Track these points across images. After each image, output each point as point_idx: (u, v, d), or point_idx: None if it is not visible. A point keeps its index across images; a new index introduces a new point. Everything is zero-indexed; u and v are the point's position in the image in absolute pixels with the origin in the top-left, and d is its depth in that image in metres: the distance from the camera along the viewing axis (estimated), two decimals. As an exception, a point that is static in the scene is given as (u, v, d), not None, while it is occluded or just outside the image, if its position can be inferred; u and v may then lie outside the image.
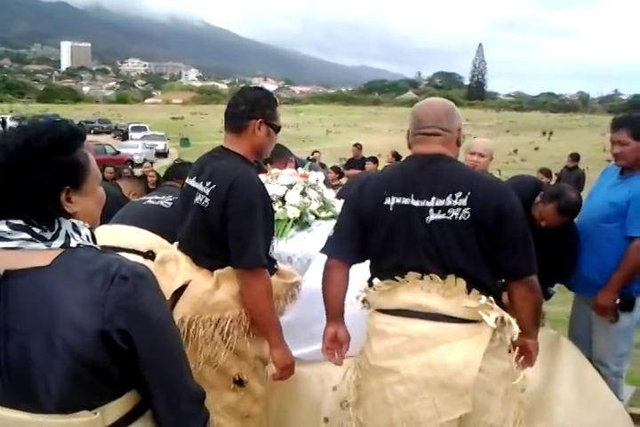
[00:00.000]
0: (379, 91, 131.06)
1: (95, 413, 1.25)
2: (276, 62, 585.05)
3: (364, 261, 2.25)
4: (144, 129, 40.29)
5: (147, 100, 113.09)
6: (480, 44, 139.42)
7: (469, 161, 3.65)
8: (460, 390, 1.89)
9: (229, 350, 2.23)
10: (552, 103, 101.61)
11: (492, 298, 1.98)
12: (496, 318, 1.95)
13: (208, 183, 2.26)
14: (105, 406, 1.27)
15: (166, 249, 2.44)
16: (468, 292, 1.98)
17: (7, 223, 1.26)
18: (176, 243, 2.51)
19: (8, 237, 1.25)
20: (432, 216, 2.00)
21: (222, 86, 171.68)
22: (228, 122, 2.39)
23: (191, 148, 33.22)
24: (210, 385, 2.14)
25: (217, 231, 2.23)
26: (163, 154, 33.09)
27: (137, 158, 26.78)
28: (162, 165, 20.53)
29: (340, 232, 2.23)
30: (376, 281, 2.12)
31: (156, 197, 3.04)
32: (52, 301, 1.22)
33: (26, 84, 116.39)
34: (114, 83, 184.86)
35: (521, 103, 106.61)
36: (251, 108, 2.34)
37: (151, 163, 14.33)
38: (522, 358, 2.09)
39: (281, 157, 3.76)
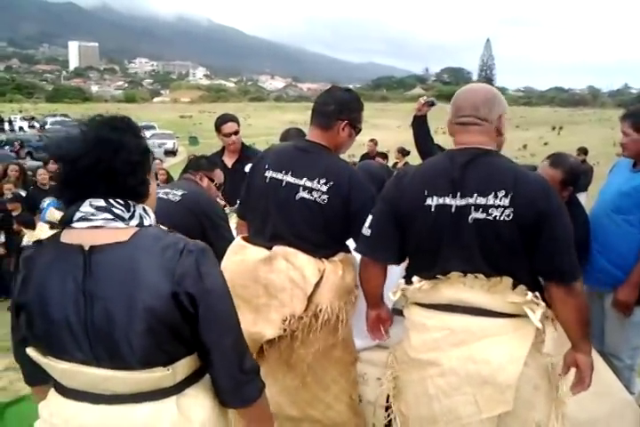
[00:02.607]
0: (386, 87, 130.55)
1: (168, 369, 1.45)
2: (284, 60, 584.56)
3: (400, 262, 2.23)
4: (153, 128, 40.32)
5: (155, 99, 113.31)
6: (488, 40, 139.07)
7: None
8: (503, 387, 1.85)
9: (350, 327, 2.44)
10: (561, 98, 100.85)
11: (537, 294, 1.93)
12: (542, 315, 1.91)
13: (322, 180, 2.38)
14: (176, 363, 1.47)
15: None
16: (514, 288, 1.93)
17: (91, 205, 1.45)
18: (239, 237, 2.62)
19: (92, 217, 1.44)
20: (473, 215, 1.93)
21: (230, 84, 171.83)
22: (315, 118, 2.52)
23: (200, 146, 33.29)
24: (345, 365, 2.45)
25: (335, 225, 2.39)
26: (172, 152, 33.20)
27: (146, 157, 26.73)
28: (171, 164, 20.63)
29: (377, 232, 2.17)
30: (416, 279, 2.07)
31: (167, 191, 3.06)
32: (132, 270, 1.41)
33: (34, 85, 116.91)
34: (122, 82, 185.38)
35: (530, 98, 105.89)
36: (339, 110, 2.47)
37: (160, 161, 14.38)
38: (573, 378, 2.02)
39: None
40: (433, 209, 2.00)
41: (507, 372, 1.85)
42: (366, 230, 2.20)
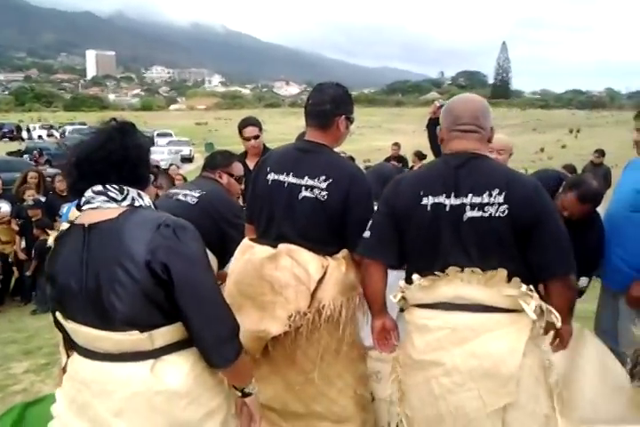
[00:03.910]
0: (402, 91, 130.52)
1: (144, 334, 1.65)
2: (299, 65, 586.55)
3: (402, 263, 2.27)
4: (169, 135, 40.70)
5: (171, 107, 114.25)
6: (504, 43, 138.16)
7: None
8: (504, 379, 1.91)
9: (356, 323, 2.48)
10: (578, 100, 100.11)
11: (531, 287, 2.00)
12: (536, 307, 1.97)
13: (322, 178, 2.43)
14: (155, 330, 1.67)
15: None
16: (509, 281, 2.00)
17: (92, 191, 1.73)
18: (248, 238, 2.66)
19: (92, 200, 1.73)
20: (469, 213, 2.03)
21: (245, 91, 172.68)
22: (312, 119, 2.56)
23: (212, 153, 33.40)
24: (350, 360, 2.48)
25: (337, 221, 2.43)
26: (188, 159, 33.41)
27: (163, 164, 26.89)
28: (187, 170, 20.75)
29: (377, 234, 2.25)
30: (415, 277, 2.14)
31: (186, 192, 3.03)
32: (117, 241, 1.65)
33: (53, 94, 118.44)
34: (139, 90, 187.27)
35: (547, 101, 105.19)
36: (336, 106, 2.53)
37: (177, 167, 14.48)
38: (556, 341, 2.17)
39: None
40: (429, 208, 2.10)
41: (507, 364, 1.91)
42: (367, 233, 2.28)
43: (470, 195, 2.03)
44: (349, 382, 2.48)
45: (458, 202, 2.05)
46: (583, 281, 2.98)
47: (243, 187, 3.27)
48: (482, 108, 2.26)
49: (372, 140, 38.57)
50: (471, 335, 1.97)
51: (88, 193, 1.73)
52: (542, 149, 34.24)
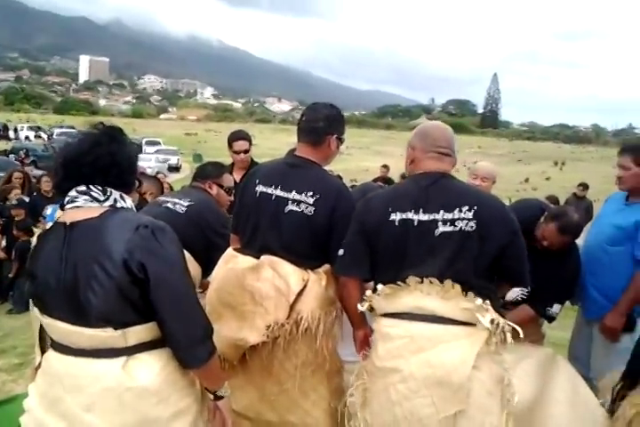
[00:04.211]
0: (392, 115, 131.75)
1: (117, 331, 1.69)
2: (291, 83, 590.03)
3: (373, 277, 2.35)
4: (158, 143, 40.63)
5: (161, 116, 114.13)
6: (495, 74, 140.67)
7: (472, 185, 3.69)
8: (456, 387, 2.00)
9: (334, 337, 2.52)
10: (565, 134, 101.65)
11: (488, 302, 2.11)
12: (492, 320, 2.07)
13: (309, 193, 2.50)
14: (129, 328, 1.71)
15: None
16: (466, 295, 2.11)
17: (76, 190, 1.78)
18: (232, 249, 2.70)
19: (75, 200, 1.78)
20: (441, 228, 2.18)
21: (237, 105, 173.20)
22: (305, 135, 2.64)
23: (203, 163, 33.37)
24: (326, 373, 2.49)
25: (321, 236, 2.48)
26: (175, 168, 33.35)
27: (150, 171, 26.92)
28: (174, 179, 20.71)
29: (350, 251, 2.37)
30: (380, 286, 2.25)
31: (175, 201, 3.06)
32: (96, 239, 1.70)
33: (43, 96, 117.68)
34: (130, 97, 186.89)
35: (534, 133, 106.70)
36: (329, 125, 2.61)
37: (164, 175, 14.47)
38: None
39: None
40: (397, 223, 2.24)
41: (458, 373, 2.01)
42: (340, 251, 2.40)
43: (442, 211, 2.19)
44: (324, 394, 2.51)
45: (429, 218, 2.20)
46: (556, 308, 3.05)
47: (232, 198, 3.30)
48: (452, 135, 2.46)
49: (360, 160, 38.79)
50: (428, 345, 2.08)
51: (72, 193, 1.79)
52: (527, 180, 34.68)
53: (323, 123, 2.60)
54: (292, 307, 2.43)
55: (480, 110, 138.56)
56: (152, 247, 1.70)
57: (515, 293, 3.07)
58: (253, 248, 2.60)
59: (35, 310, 1.86)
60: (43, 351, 2.00)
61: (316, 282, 2.46)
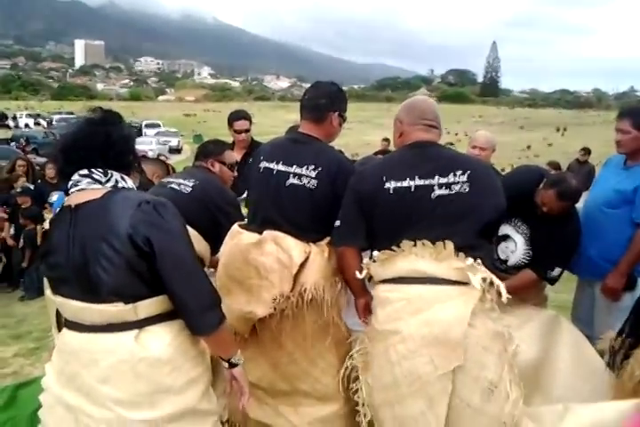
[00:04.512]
0: (391, 88, 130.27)
1: (128, 305, 1.77)
2: (289, 60, 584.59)
3: (370, 244, 2.43)
4: (157, 126, 40.56)
5: (160, 98, 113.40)
6: (494, 42, 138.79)
7: (471, 154, 3.77)
8: (453, 344, 2.09)
9: (341, 307, 2.59)
10: (566, 100, 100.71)
11: (479, 261, 2.20)
12: (483, 279, 2.16)
13: (311, 167, 2.57)
14: (139, 302, 1.79)
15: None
16: (457, 255, 2.20)
17: (78, 174, 1.85)
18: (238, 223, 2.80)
19: (78, 183, 1.85)
20: (437, 192, 2.29)
21: (235, 84, 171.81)
22: (307, 112, 2.70)
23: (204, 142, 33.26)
24: (333, 341, 2.56)
25: (324, 209, 2.55)
26: (176, 150, 33.38)
27: (151, 154, 26.90)
28: (175, 161, 20.73)
29: (345, 221, 2.45)
30: (375, 253, 2.34)
31: (180, 181, 3.09)
32: (101, 218, 1.78)
33: (40, 82, 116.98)
34: (127, 80, 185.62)
35: (535, 100, 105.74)
36: (331, 102, 2.67)
37: (165, 158, 14.49)
38: None
39: None
40: (391, 191, 2.33)
41: (454, 330, 2.09)
42: (337, 222, 2.47)
43: (437, 176, 2.30)
44: (332, 362, 2.59)
45: (424, 183, 2.30)
46: (557, 271, 3.10)
47: (235, 174, 3.34)
48: (437, 110, 2.56)
49: (361, 134, 38.62)
50: (425, 306, 2.17)
51: (75, 177, 1.85)
52: (529, 147, 34.58)
53: (325, 100, 2.66)
54: (295, 279, 2.49)
55: (480, 79, 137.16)
56: (155, 221, 1.77)
57: (517, 258, 3.14)
58: (256, 223, 2.67)
59: (48, 292, 1.95)
60: (59, 332, 2.05)
61: (318, 254, 2.53)
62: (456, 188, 2.29)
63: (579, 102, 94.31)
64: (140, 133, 39.26)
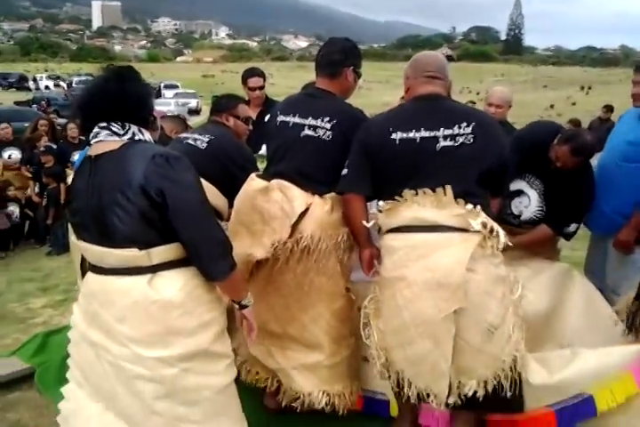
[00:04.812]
0: (412, 46, 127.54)
1: (142, 251, 1.88)
2: (308, 19, 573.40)
3: (375, 195, 2.52)
4: (176, 87, 40.29)
5: (178, 59, 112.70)
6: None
7: (487, 111, 3.75)
8: (454, 288, 2.18)
9: (340, 261, 2.65)
10: (592, 57, 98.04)
11: (479, 207, 2.26)
12: (483, 224, 2.23)
13: (326, 119, 2.63)
14: (152, 248, 1.89)
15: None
16: (456, 202, 2.26)
17: (98, 127, 1.95)
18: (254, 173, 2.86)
19: (97, 135, 1.95)
20: (442, 143, 2.35)
21: (253, 44, 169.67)
22: (322, 68, 2.76)
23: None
24: (326, 293, 2.63)
25: (338, 160, 2.58)
26: (195, 111, 33.18)
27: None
28: (194, 122, 20.68)
29: (352, 169, 2.52)
30: (381, 203, 2.43)
31: (196, 137, 3.13)
32: (117, 169, 1.88)
33: (59, 44, 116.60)
34: (145, 42, 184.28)
35: (559, 58, 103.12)
36: (345, 57, 2.73)
37: (185, 119, 14.51)
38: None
39: None
40: (397, 142, 2.39)
41: (454, 274, 2.18)
42: (344, 171, 2.54)
43: (442, 128, 2.35)
44: (322, 313, 2.66)
45: (429, 134, 2.35)
46: (572, 227, 3.12)
47: (250, 127, 3.37)
48: (444, 61, 2.59)
49: (380, 94, 38.03)
50: (427, 252, 2.26)
51: (95, 129, 1.96)
52: (552, 106, 33.86)
53: (339, 55, 2.71)
54: (294, 227, 2.58)
55: (503, 37, 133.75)
56: (167, 173, 1.85)
57: (530, 212, 3.16)
58: (269, 173, 2.76)
59: (73, 238, 2.07)
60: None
61: (319, 206, 2.60)
62: (460, 139, 2.33)
63: (605, 60, 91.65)
64: (158, 95, 39.19)
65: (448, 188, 2.26)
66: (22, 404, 3.27)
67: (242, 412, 2.15)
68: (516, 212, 3.21)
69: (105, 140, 1.94)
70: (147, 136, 2.00)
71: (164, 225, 1.88)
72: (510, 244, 2.27)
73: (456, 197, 2.26)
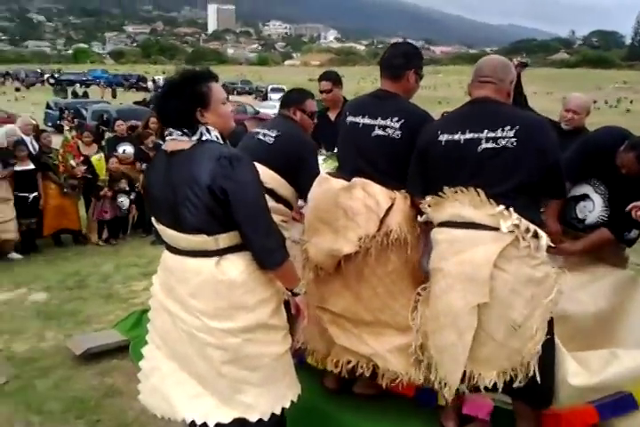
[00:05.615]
0: (526, 51, 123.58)
1: (210, 237, 2.11)
2: (418, 22, 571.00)
3: (424, 195, 2.63)
4: (282, 90, 41.23)
5: (286, 62, 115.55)
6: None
7: (564, 117, 3.80)
8: (480, 282, 2.33)
9: (418, 252, 2.80)
10: None
11: (511, 209, 2.35)
12: (516, 226, 2.32)
13: (395, 118, 2.77)
14: (218, 235, 2.12)
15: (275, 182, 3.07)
16: (490, 203, 2.37)
17: (172, 127, 2.18)
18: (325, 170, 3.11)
19: (172, 133, 2.18)
20: (484, 145, 2.44)
21: (360, 47, 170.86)
22: (386, 71, 2.89)
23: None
24: (412, 281, 2.77)
25: (405, 157, 2.72)
26: (299, 114, 33.79)
27: (275, 118, 27.45)
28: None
29: (410, 172, 2.72)
30: (427, 198, 2.59)
31: (265, 131, 3.30)
32: (188, 166, 2.11)
33: (176, 47, 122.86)
34: (256, 45, 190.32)
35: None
36: (407, 61, 2.85)
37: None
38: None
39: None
40: (443, 143, 2.53)
41: (482, 270, 2.33)
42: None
43: (486, 130, 2.44)
44: (412, 299, 2.76)
45: (473, 136, 2.45)
46: (634, 233, 3.05)
47: (315, 121, 3.50)
48: (502, 63, 2.63)
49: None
50: (463, 247, 2.42)
51: (169, 130, 2.19)
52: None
53: (401, 59, 2.84)
54: (381, 221, 2.72)
55: (628, 42, 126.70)
56: (230, 174, 2.06)
57: (594, 217, 3.14)
58: (346, 172, 2.89)
59: (153, 219, 2.31)
60: None
61: (402, 200, 2.75)
62: (503, 142, 2.41)
63: None
64: (265, 97, 40.26)
65: (480, 190, 2.38)
66: (117, 371, 3.84)
67: (296, 378, 2.39)
68: (580, 216, 3.20)
69: (177, 138, 2.16)
70: (213, 134, 2.19)
71: (227, 217, 2.10)
72: (552, 245, 2.37)
73: (492, 197, 2.37)
